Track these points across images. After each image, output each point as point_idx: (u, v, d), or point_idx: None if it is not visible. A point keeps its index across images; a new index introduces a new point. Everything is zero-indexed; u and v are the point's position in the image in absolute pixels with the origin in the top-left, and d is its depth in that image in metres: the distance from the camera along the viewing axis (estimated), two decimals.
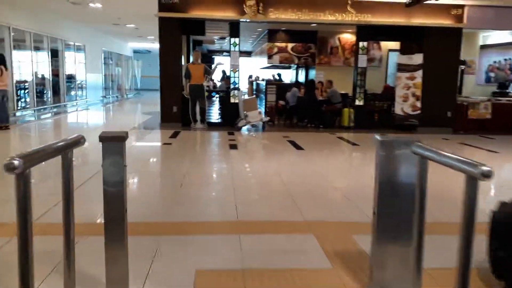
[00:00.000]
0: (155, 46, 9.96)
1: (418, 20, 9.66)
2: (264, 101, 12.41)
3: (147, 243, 2.95)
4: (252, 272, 2.52)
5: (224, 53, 21.99)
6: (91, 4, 10.87)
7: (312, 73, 13.87)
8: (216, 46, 21.25)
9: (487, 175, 1.41)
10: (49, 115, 12.40)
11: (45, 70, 13.37)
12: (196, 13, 9.41)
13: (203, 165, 5.93)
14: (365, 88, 10.14)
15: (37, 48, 12.66)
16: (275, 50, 13.35)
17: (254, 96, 12.09)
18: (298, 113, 10.33)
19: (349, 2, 9.47)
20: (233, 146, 7.26)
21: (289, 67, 16.53)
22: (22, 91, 12.51)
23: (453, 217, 3.57)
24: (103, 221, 2.11)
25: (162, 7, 9.30)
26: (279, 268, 2.59)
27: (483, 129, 9.69)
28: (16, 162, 1.35)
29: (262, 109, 10.61)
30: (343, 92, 10.78)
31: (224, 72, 14.04)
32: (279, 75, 16.24)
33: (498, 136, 9.05)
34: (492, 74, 12.79)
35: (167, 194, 4.37)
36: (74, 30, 15.06)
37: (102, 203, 2.07)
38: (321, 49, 13.43)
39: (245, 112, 9.17)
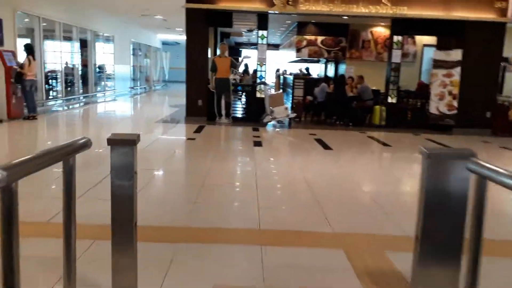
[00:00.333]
0: (183, 38, 9.78)
1: (458, 13, 9.07)
2: (291, 96, 12.10)
3: (161, 251, 2.75)
4: None
5: (252, 46, 21.73)
6: None
7: (342, 68, 13.41)
8: (243, 39, 21.01)
9: None
10: (77, 105, 12.50)
11: (75, 61, 13.48)
12: (224, 5, 9.16)
13: (225, 163, 5.71)
14: (398, 85, 9.65)
15: (66, 39, 12.75)
16: (304, 43, 12.97)
17: (280, 91, 11.79)
18: (327, 109, 9.95)
19: None
20: (258, 143, 7.01)
21: (317, 61, 16.09)
22: (52, 81, 12.66)
23: (502, 235, 3.22)
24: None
25: None
26: None
27: None
28: None
29: (289, 105, 10.29)
30: (374, 88, 10.32)
31: (246, 65, 13.71)
32: (307, 69, 15.83)
33: None
34: None
35: (186, 195, 4.17)
36: (104, 20, 15.11)
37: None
38: (352, 43, 12.95)
39: (271, 107, 8.89)
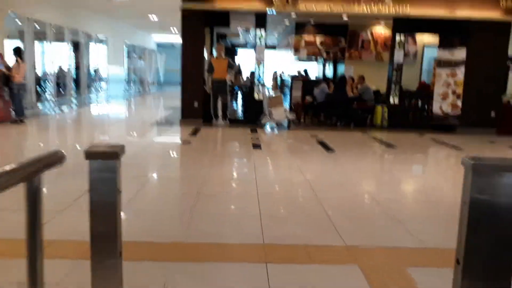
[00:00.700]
0: (179, 39, 9.47)
1: (463, 12, 8.80)
2: (289, 97, 11.80)
3: (153, 272, 2.43)
4: None
5: (248, 47, 21.39)
6: None
7: (341, 68, 13.14)
8: (240, 40, 20.67)
9: None
10: (69, 108, 12.14)
11: (66, 63, 13.12)
12: (222, 5, 8.84)
13: (223, 169, 5.39)
14: (400, 85, 9.37)
15: (58, 41, 12.39)
16: (303, 43, 12.69)
17: (279, 93, 11.49)
18: (327, 110, 9.66)
19: None
20: (257, 146, 6.70)
21: (316, 61, 15.82)
22: (43, 84, 12.29)
23: None
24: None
25: None
26: None
27: None
28: None
29: (287, 106, 9.99)
30: (374, 89, 10.05)
31: (238, 65, 13.36)
32: (305, 71, 15.53)
33: None
34: None
35: (180, 206, 3.84)
36: (96, 22, 14.77)
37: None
38: (352, 42, 12.67)
39: (269, 109, 8.58)
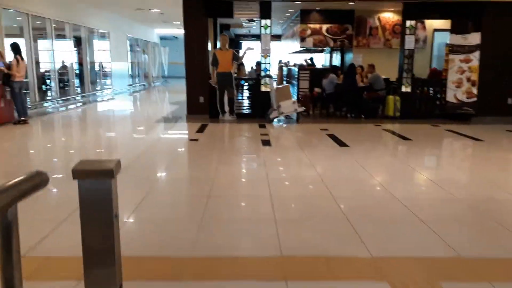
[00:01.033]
0: (182, 32, 9.16)
1: None
2: (296, 88, 11.48)
3: None
4: None
5: (252, 38, 21.00)
6: None
7: (349, 57, 12.79)
8: (243, 30, 20.28)
9: None
10: (73, 106, 11.93)
11: (68, 59, 12.88)
12: None
13: (233, 168, 5.13)
14: (412, 73, 9.03)
15: (59, 36, 12.14)
16: (308, 32, 12.33)
17: (286, 84, 11.18)
18: (336, 101, 9.35)
19: None
20: (266, 142, 6.43)
21: (322, 51, 15.44)
22: (46, 82, 12.08)
23: None
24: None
25: None
26: None
27: None
28: None
29: (294, 97, 9.68)
30: (384, 77, 9.71)
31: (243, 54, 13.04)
32: (311, 59, 15.18)
33: None
34: None
35: (189, 212, 3.59)
36: (98, 16, 14.48)
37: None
38: (359, 30, 12.30)
39: (277, 102, 8.29)
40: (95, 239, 1.33)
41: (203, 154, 5.93)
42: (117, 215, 1.36)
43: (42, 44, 11.78)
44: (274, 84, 9.36)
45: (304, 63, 14.33)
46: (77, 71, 13.67)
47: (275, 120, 8.46)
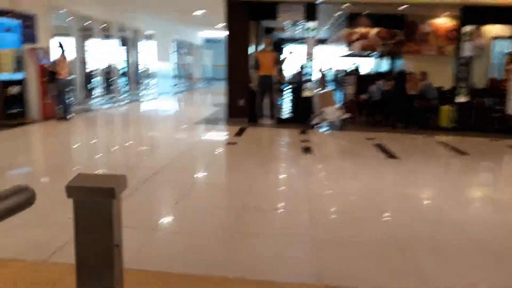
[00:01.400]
0: (225, 34, 8.98)
1: None
2: (340, 94, 11.01)
3: None
4: None
5: (295, 42, 20.59)
6: None
7: (398, 63, 12.12)
8: (286, 34, 19.92)
9: None
10: (117, 104, 12.10)
11: (116, 59, 13.12)
12: None
13: (270, 176, 4.81)
14: (469, 82, 8.32)
15: (106, 37, 12.38)
16: (356, 36, 11.80)
17: (329, 89, 10.73)
18: (384, 109, 8.79)
19: None
20: (307, 150, 6.06)
21: (369, 56, 14.82)
22: (92, 80, 12.35)
23: None
24: None
25: None
26: None
27: None
28: None
29: (339, 104, 9.22)
30: (437, 86, 9.04)
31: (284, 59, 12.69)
32: (357, 65, 14.59)
33: None
34: None
35: (221, 224, 3.28)
36: (143, 18, 14.69)
37: None
38: (410, 35, 11.62)
39: (321, 108, 7.89)
40: (91, 272, 1.06)
41: (240, 159, 5.66)
42: (119, 245, 1.08)
43: (90, 43, 12.05)
44: (317, 88, 8.96)
45: (350, 69, 13.80)
46: (123, 71, 13.92)
47: (318, 126, 8.05)
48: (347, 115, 8.17)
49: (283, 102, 9.33)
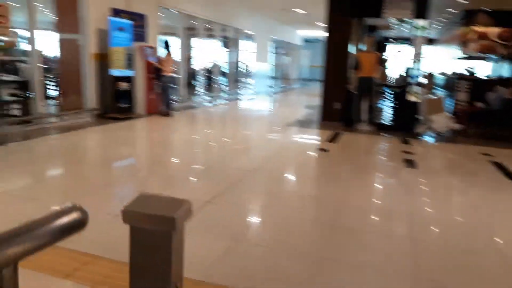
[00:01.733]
0: (325, 34, 8.62)
1: None
2: (451, 101, 9.90)
3: None
4: None
5: (401, 41, 19.25)
6: None
7: None
8: (390, 32, 18.70)
9: None
10: (216, 103, 12.48)
11: (217, 58, 13.55)
12: None
13: (364, 192, 4.35)
14: None
15: (209, 36, 12.83)
16: (473, 36, 10.52)
17: (440, 95, 9.73)
18: (504, 120, 7.65)
19: None
20: (410, 163, 5.44)
21: (487, 59, 13.16)
22: (194, 78, 12.91)
23: None
24: None
25: None
26: None
27: None
28: None
29: (449, 112, 8.27)
30: None
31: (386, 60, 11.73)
32: (472, 69, 13.05)
33: None
34: None
35: (302, 244, 2.93)
36: (244, 17, 14.94)
37: None
38: None
39: (428, 115, 7.12)
40: None
41: (331, 168, 5.30)
42: (178, 285, 0.88)
43: (194, 42, 12.59)
44: (425, 94, 8.14)
45: (463, 73, 12.40)
46: (224, 70, 14.35)
47: (424, 136, 7.29)
48: (458, 125, 7.26)
49: (384, 107, 8.65)
